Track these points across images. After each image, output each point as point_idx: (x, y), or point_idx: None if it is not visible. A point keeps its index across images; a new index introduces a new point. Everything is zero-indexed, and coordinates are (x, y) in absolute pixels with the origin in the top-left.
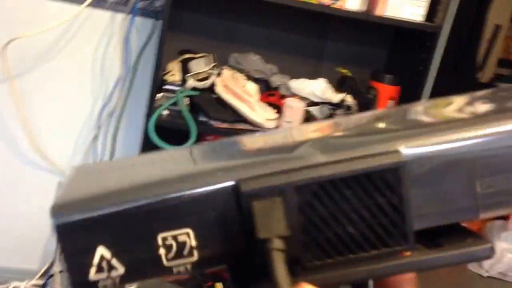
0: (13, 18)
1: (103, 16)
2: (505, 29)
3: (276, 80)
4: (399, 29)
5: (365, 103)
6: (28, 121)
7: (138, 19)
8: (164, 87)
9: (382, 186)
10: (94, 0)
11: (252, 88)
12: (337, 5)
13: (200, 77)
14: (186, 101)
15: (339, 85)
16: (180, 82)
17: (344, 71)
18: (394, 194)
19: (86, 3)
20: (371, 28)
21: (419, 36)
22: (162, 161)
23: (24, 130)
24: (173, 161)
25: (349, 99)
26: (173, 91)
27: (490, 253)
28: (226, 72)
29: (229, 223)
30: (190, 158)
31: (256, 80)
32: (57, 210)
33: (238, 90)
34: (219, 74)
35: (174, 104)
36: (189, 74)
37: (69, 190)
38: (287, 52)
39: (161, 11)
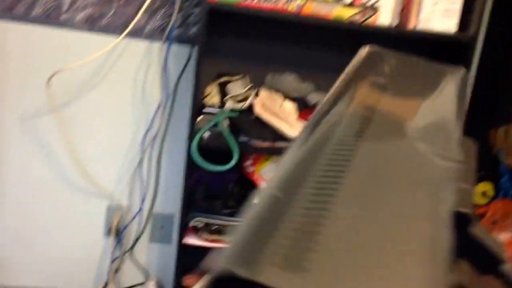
0: (56, 52)
1: (140, 45)
2: None
3: (313, 98)
4: (433, 42)
5: None
6: (75, 149)
7: (175, 46)
8: (204, 110)
9: None
10: (132, 30)
11: (290, 107)
12: (369, 21)
13: (238, 98)
14: (226, 122)
15: None
16: (219, 105)
17: None
18: None
19: (124, 34)
20: (405, 42)
21: (453, 48)
22: None
23: (71, 159)
24: None
25: None
26: (212, 114)
27: None
28: (263, 92)
29: None
30: None
31: (293, 99)
32: None
33: (276, 109)
34: (256, 95)
35: (215, 125)
36: (227, 97)
37: None
38: (322, 69)
39: (196, 37)
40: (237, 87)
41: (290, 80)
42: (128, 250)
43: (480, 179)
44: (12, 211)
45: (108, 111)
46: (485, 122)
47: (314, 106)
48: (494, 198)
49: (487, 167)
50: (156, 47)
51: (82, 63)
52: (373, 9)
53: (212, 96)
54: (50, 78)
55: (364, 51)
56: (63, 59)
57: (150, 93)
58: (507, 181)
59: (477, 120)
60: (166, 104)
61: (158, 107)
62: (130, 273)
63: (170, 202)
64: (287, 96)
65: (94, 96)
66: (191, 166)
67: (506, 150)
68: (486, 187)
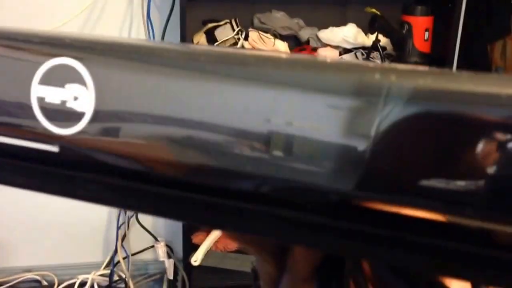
0: (35, 13)
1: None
2: None
3: (304, 34)
4: None
5: (400, 40)
6: None
7: None
8: None
9: None
10: None
11: (282, 45)
12: None
13: (228, 44)
14: None
15: (370, 26)
16: None
17: (372, 10)
18: None
19: None
20: None
21: None
22: None
23: None
24: None
25: (383, 39)
26: None
27: None
28: (253, 34)
29: None
30: None
31: (284, 38)
32: None
33: (268, 50)
34: (246, 38)
35: None
36: (216, 43)
37: None
38: (310, 3)
39: None
40: (225, 32)
41: (278, 18)
42: (133, 215)
43: None
44: (10, 190)
45: None
46: (482, 37)
47: (306, 42)
48: None
49: None
50: (136, 0)
51: (62, 24)
52: None
53: (201, 44)
54: None
55: None
56: (42, 22)
57: None
58: None
59: (474, 35)
60: None
61: None
62: (138, 239)
63: None
64: (277, 35)
65: None
66: None
67: (505, 67)
68: None
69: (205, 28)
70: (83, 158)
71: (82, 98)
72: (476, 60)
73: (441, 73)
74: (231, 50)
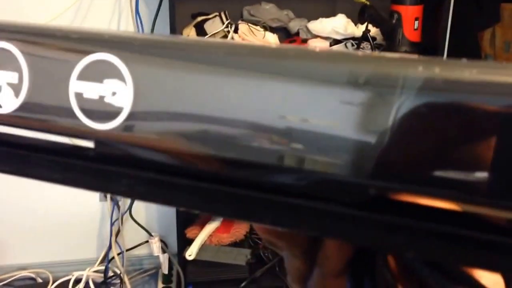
0: (21, 7)
1: None
2: None
3: (294, 25)
4: None
5: (390, 30)
6: None
7: None
8: None
9: None
10: None
11: (272, 37)
12: None
13: (218, 37)
14: None
15: (360, 16)
16: None
17: (362, 0)
18: None
19: None
20: None
21: None
22: None
23: None
24: None
25: (373, 30)
26: None
27: None
28: (242, 26)
29: None
30: None
31: (274, 30)
32: None
33: (258, 42)
34: (235, 31)
35: None
36: (206, 36)
37: None
38: None
39: None
40: (215, 25)
41: (268, 10)
42: (126, 211)
43: None
44: (2, 189)
45: None
46: (472, 26)
47: (296, 34)
48: None
49: None
50: None
51: (51, 19)
52: None
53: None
54: None
55: None
56: (29, 17)
57: None
58: None
59: (464, 24)
60: None
61: None
62: (132, 234)
63: None
64: (267, 27)
65: None
66: None
67: (494, 55)
68: None
69: (194, 22)
70: (120, 153)
71: (120, 93)
72: (466, 49)
73: (445, 63)
74: (259, 45)
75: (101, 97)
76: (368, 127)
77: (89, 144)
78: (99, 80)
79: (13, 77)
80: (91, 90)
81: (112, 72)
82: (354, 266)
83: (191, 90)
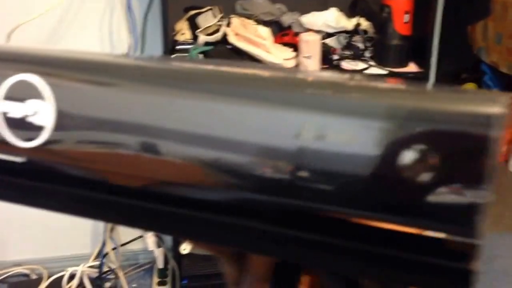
0: (13, 6)
1: None
2: None
3: (286, 19)
4: None
5: (381, 23)
6: None
7: None
8: (176, 47)
9: None
10: None
11: (264, 31)
12: None
13: (210, 31)
14: (201, 57)
15: (351, 10)
16: (191, 40)
17: None
18: None
19: None
20: None
21: None
22: None
23: None
24: None
25: (364, 23)
26: (186, 50)
27: None
28: (235, 20)
29: None
30: None
31: (266, 23)
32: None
33: (251, 36)
34: (228, 25)
35: None
36: (198, 30)
37: None
38: None
39: None
40: (207, 19)
41: (260, 4)
42: None
43: (462, 81)
44: None
45: None
46: (463, 19)
47: (289, 27)
48: None
49: (468, 67)
50: None
51: (41, 13)
52: None
53: (183, 32)
54: (9, 35)
55: None
56: (21, 13)
57: (119, 37)
58: (489, 79)
59: (455, 16)
60: (137, 46)
61: (129, 50)
62: (126, 229)
63: None
64: (260, 21)
65: (61, 47)
66: None
67: (486, 48)
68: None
69: (187, 16)
70: (45, 169)
71: (41, 112)
72: (457, 42)
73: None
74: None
75: (25, 116)
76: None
77: (18, 160)
78: (22, 99)
79: None
80: (16, 110)
81: (34, 92)
82: (278, 272)
83: (108, 109)
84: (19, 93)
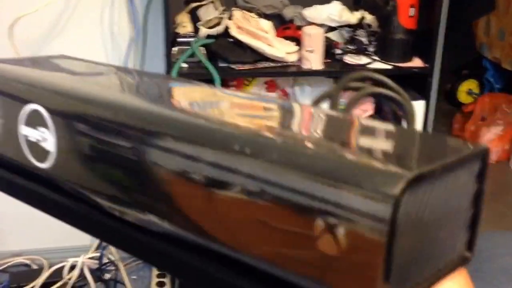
0: None
1: None
2: None
3: (288, 12)
4: None
5: (385, 17)
6: None
7: None
8: (178, 40)
9: None
10: None
11: (266, 24)
12: None
13: (212, 23)
14: (203, 50)
15: (355, 3)
16: (192, 33)
17: None
18: None
19: None
20: None
21: None
22: None
23: None
24: None
25: (368, 17)
26: (187, 43)
27: None
28: (237, 13)
29: None
30: None
31: (268, 16)
32: None
33: (253, 29)
34: (230, 17)
35: (192, 55)
36: (200, 23)
37: None
38: None
39: None
40: (208, 12)
41: None
42: None
43: (464, 78)
44: None
45: (79, 54)
46: (467, 13)
47: (291, 21)
48: (479, 95)
49: (470, 64)
50: None
51: (44, 5)
52: None
53: (184, 24)
54: (12, 24)
55: None
56: (22, 5)
57: (120, 30)
58: (491, 76)
59: (459, 12)
60: (138, 39)
61: (130, 43)
62: None
63: None
64: (261, 14)
65: (62, 39)
66: None
67: (488, 44)
68: (470, 85)
69: (188, 8)
70: (53, 186)
71: (47, 139)
72: (459, 37)
73: None
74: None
75: (38, 141)
76: None
77: (39, 173)
78: (35, 127)
79: None
80: (32, 135)
81: (41, 121)
82: None
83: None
84: (33, 121)
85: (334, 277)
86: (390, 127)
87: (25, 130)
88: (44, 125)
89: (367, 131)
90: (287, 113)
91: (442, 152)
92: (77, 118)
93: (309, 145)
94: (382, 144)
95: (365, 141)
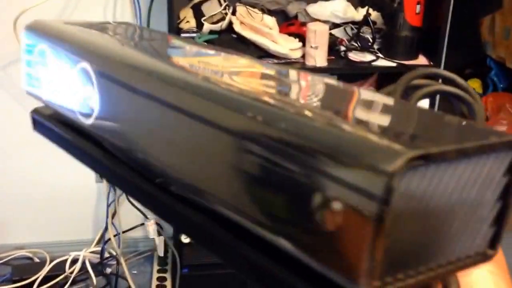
0: None
1: None
2: None
3: (292, 8)
4: None
5: (391, 14)
6: None
7: None
8: (181, 35)
9: None
10: None
11: (270, 20)
12: None
13: (215, 19)
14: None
15: (360, 0)
16: (196, 28)
17: None
18: None
19: None
20: None
21: None
22: None
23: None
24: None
25: (373, 14)
26: (191, 39)
27: None
28: (241, 9)
29: None
30: None
31: (272, 12)
32: None
33: (257, 25)
34: (233, 13)
35: None
36: (203, 18)
37: None
38: None
39: None
40: (212, 7)
41: None
42: (122, 193)
43: (467, 77)
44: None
45: None
46: (473, 11)
47: (295, 17)
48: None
49: (473, 63)
50: None
51: (43, 1)
52: None
53: (188, 19)
54: (17, 18)
55: None
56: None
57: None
58: (494, 75)
59: (465, 9)
60: None
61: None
62: (128, 216)
63: None
64: (265, 10)
65: None
66: None
67: (493, 42)
68: (473, 84)
69: (191, 3)
70: (97, 140)
71: (92, 97)
72: (464, 35)
73: None
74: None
75: (86, 99)
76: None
77: (84, 128)
78: (84, 84)
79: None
80: (81, 92)
81: (88, 79)
82: None
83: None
84: (81, 79)
85: (326, 253)
86: (415, 107)
87: (74, 86)
88: (91, 83)
89: (386, 108)
90: (292, 82)
91: (462, 136)
92: (120, 80)
93: (310, 113)
94: (397, 122)
95: (378, 118)
